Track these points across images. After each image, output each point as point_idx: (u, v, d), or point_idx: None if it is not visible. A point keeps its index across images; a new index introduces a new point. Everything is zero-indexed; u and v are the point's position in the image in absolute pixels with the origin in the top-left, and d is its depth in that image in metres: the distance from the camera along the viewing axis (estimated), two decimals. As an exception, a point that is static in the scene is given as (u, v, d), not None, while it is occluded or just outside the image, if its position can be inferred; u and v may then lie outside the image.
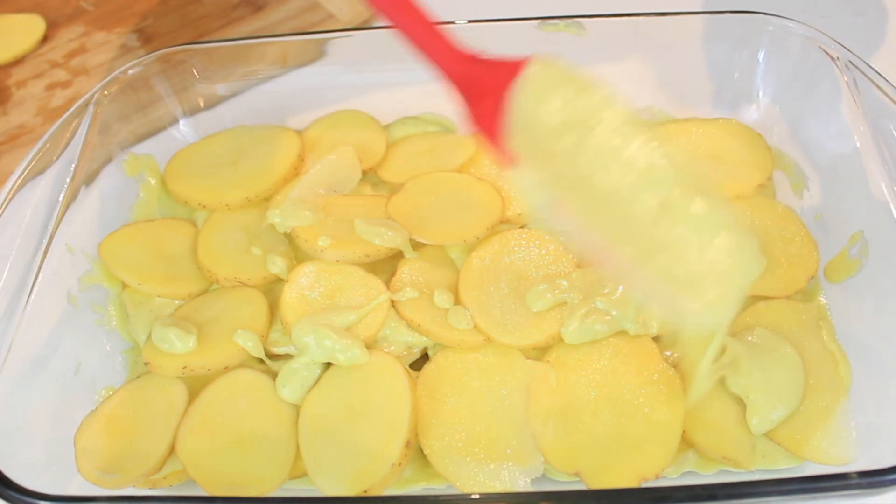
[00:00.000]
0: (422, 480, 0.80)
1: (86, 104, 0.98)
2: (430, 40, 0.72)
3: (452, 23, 1.05)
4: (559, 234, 0.69)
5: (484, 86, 0.70)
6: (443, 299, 0.87)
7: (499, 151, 0.70)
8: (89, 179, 0.96)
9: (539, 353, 0.85)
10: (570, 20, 1.04)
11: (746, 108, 1.07)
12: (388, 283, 0.89)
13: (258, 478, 0.77)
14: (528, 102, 0.67)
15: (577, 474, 0.75)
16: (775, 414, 0.76)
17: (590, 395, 0.79)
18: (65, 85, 1.28)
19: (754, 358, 0.79)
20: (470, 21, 1.05)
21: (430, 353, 0.87)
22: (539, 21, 1.05)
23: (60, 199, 0.90)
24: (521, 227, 0.94)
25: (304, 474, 0.79)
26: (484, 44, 1.07)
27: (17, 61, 1.31)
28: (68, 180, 0.92)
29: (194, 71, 1.09)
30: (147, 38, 1.33)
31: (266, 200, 1.01)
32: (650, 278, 0.64)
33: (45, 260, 0.86)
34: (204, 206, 1.00)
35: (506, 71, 0.70)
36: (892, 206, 0.83)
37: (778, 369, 0.79)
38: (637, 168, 0.64)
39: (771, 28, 1.01)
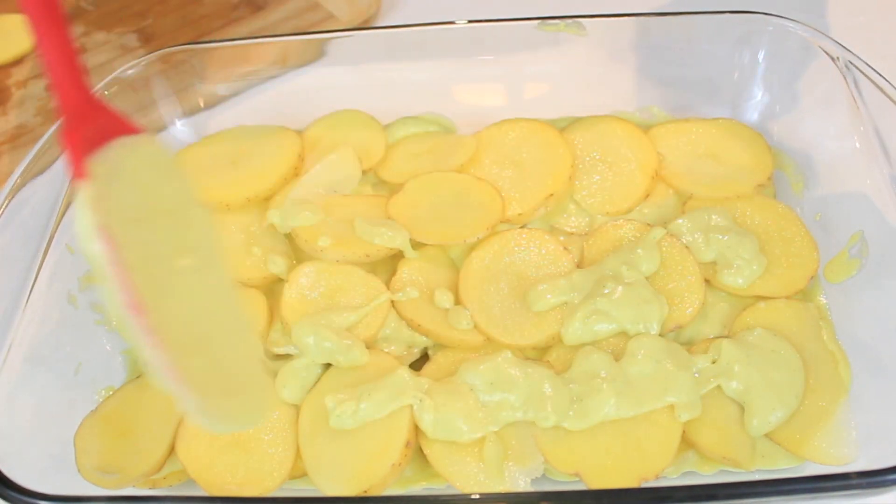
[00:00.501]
0: (422, 480, 0.80)
1: (86, 104, 0.97)
2: (60, 59, 0.66)
3: (453, 23, 1.05)
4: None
5: (89, 121, 0.67)
6: (443, 299, 0.87)
7: (77, 162, 0.65)
8: (89, 179, 0.96)
9: (539, 353, 0.85)
10: (570, 20, 1.04)
11: (746, 108, 1.07)
12: (388, 283, 0.89)
13: (258, 478, 0.77)
14: (109, 166, 0.65)
15: (577, 474, 0.75)
16: (774, 416, 0.76)
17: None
18: (65, 85, 1.28)
19: (752, 360, 0.79)
20: (470, 21, 1.05)
21: (430, 353, 0.87)
22: (539, 21, 1.05)
23: (60, 199, 0.90)
24: (522, 227, 0.94)
25: (304, 474, 0.79)
26: (484, 44, 1.08)
27: (17, 61, 1.31)
28: (68, 180, 0.92)
29: (194, 71, 1.09)
30: (147, 38, 1.33)
31: (266, 200, 1.01)
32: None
33: (45, 260, 0.86)
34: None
35: (113, 124, 0.67)
36: (892, 206, 0.83)
37: (777, 370, 0.79)
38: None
39: (771, 28, 1.01)
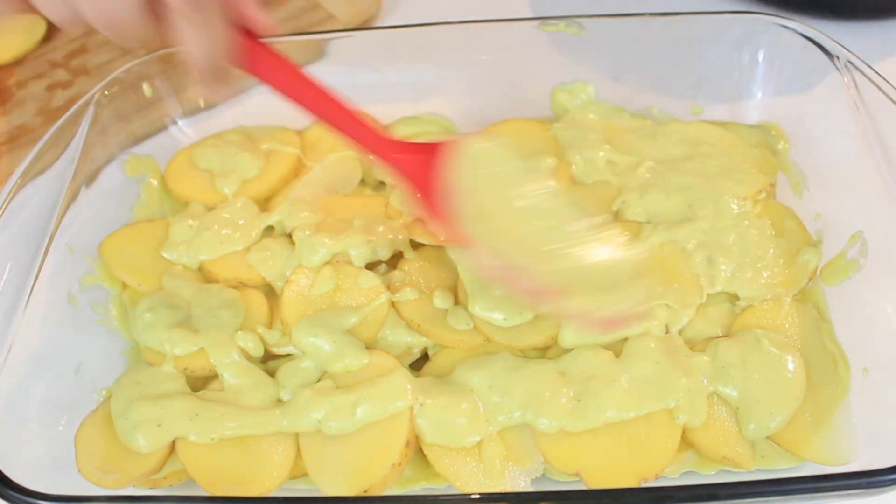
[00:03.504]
0: (422, 480, 0.80)
1: (86, 104, 0.98)
2: (366, 135, 0.81)
3: (453, 23, 1.05)
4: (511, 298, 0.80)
5: (424, 169, 0.80)
6: (443, 299, 0.87)
7: (453, 233, 0.80)
8: (89, 179, 0.97)
9: (539, 353, 0.85)
10: (570, 20, 1.04)
11: (746, 108, 1.07)
12: (388, 283, 0.89)
13: (258, 478, 0.77)
14: (466, 178, 0.80)
15: (577, 474, 0.75)
16: (773, 422, 0.76)
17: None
18: (65, 85, 1.28)
19: (751, 361, 0.79)
20: (470, 21, 1.05)
21: (430, 353, 0.87)
22: (539, 21, 1.05)
23: (61, 199, 0.90)
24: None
25: (304, 474, 0.79)
26: (484, 44, 1.08)
27: (18, 61, 1.31)
28: (69, 180, 0.92)
29: (194, 71, 1.09)
30: (147, 39, 1.33)
31: (266, 200, 1.02)
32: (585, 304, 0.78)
33: (46, 260, 0.86)
34: (204, 206, 1.00)
35: (436, 152, 0.81)
36: (892, 206, 0.83)
37: (776, 371, 0.78)
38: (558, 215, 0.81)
39: (771, 28, 1.01)
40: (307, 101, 0.80)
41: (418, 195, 0.82)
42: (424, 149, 0.82)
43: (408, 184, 0.82)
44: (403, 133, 1.07)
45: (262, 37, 0.76)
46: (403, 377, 0.80)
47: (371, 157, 0.82)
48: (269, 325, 0.89)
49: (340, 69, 1.09)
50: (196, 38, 0.71)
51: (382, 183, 1.02)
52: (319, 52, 1.10)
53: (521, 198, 0.81)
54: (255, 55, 0.76)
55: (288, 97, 0.79)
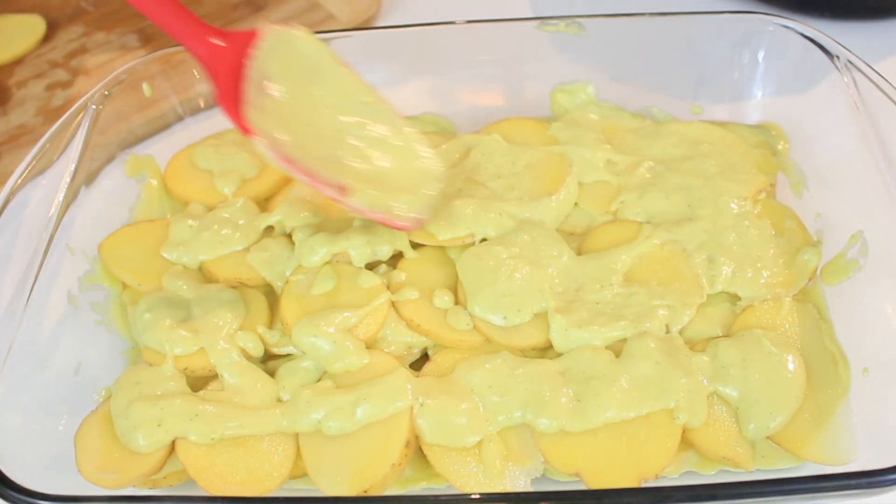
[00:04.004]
0: (422, 480, 0.80)
1: (86, 104, 0.98)
2: (177, 19, 0.82)
3: (452, 23, 1.05)
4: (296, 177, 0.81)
5: (226, 58, 0.82)
6: (443, 299, 0.87)
7: (239, 122, 0.80)
8: (89, 179, 0.97)
9: (539, 353, 0.85)
10: (570, 20, 1.05)
11: (746, 107, 1.07)
12: (388, 283, 0.89)
13: (258, 478, 0.77)
14: (263, 65, 0.82)
15: (577, 474, 0.75)
16: (773, 422, 0.76)
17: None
18: (65, 85, 1.28)
19: (751, 361, 0.79)
20: (470, 21, 1.05)
21: (430, 353, 0.87)
22: (539, 21, 1.05)
23: (60, 199, 0.90)
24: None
25: (304, 474, 0.79)
26: (483, 44, 1.08)
27: (18, 61, 1.31)
28: (68, 180, 0.92)
29: (194, 71, 1.09)
30: (147, 38, 1.34)
31: (266, 201, 1.02)
32: (371, 196, 0.82)
33: (45, 260, 0.86)
34: (204, 206, 1.00)
35: (243, 40, 0.82)
36: (891, 206, 0.83)
37: (776, 372, 0.78)
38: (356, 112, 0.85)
39: (771, 28, 1.01)
40: None
41: (214, 80, 0.82)
42: (235, 36, 0.83)
43: (207, 69, 0.82)
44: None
45: None
46: (403, 377, 0.80)
47: (181, 45, 0.83)
48: (269, 325, 0.89)
49: (340, 69, 1.09)
50: None
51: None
52: (319, 52, 1.10)
53: (316, 92, 0.83)
54: None
55: None
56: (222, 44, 0.82)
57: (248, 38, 0.83)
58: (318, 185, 0.81)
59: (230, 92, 0.81)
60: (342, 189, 0.81)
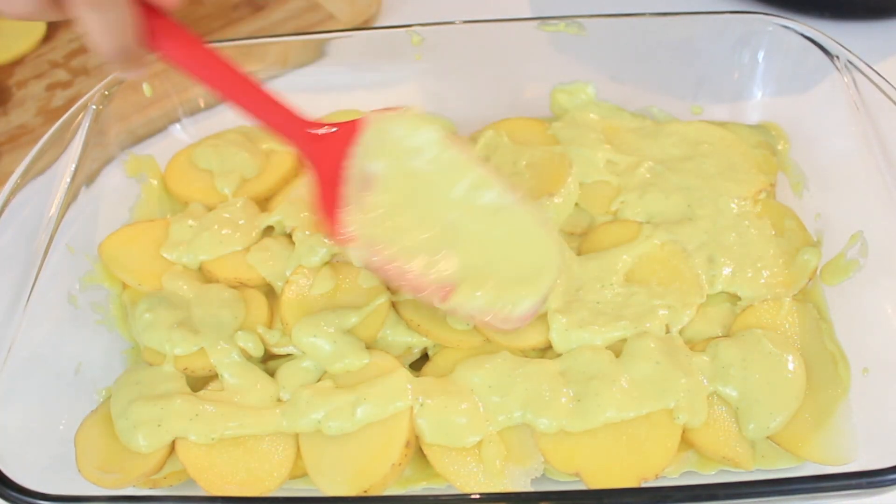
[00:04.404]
0: (422, 480, 0.80)
1: (86, 104, 0.98)
2: (278, 117, 0.79)
3: (452, 23, 1.05)
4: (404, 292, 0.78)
5: (329, 154, 0.79)
6: (443, 299, 0.87)
7: (334, 233, 0.79)
8: (89, 179, 0.96)
9: (539, 353, 0.85)
10: (570, 20, 1.04)
11: (746, 107, 1.07)
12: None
13: (258, 478, 0.77)
14: (365, 158, 0.79)
15: (577, 474, 0.75)
16: (774, 422, 0.76)
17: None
18: (65, 85, 1.28)
19: (751, 361, 0.79)
20: (469, 21, 1.05)
21: (430, 353, 0.87)
22: (539, 21, 1.05)
23: (60, 199, 0.90)
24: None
25: (304, 474, 0.79)
26: (483, 44, 1.08)
27: (18, 61, 1.31)
28: (68, 180, 0.92)
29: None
30: (147, 39, 1.33)
31: (266, 200, 1.02)
32: (486, 291, 0.78)
33: (46, 260, 0.86)
34: (204, 206, 1.00)
35: (346, 134, 0.80)
36: (892, 206, 0.83)
37: (776, 372, 0.79)
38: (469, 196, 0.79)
39: (771, 28, 1.01)
40: (218, 82, 0.78)
41: (318, 184, 0.80)
42: (340, 130, 0.80)
43: (313, 170, 0.80)
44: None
45: (168, 13, 0.74)
46: (403, 377, 0.80)
47: (283, 140, 0.81)
48: (269, 325, 0.89)
49: (340, 69, 1.10)
50: (101, 25, 0.68)
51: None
52: (319, 52, 1.10)
53: (420, 180, 0.79)
54: (163, 35, 0.74)
55: (198, 77, 0.77)
56: (326, 137, 0.80)
57: (351, 129, 0.80)
58: (420, 292, 0.78)
59: (329, 194, 0.79)
60: (446, 292, 0.77)
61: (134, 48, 0.72)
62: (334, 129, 0.81)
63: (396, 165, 0.79)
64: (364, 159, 0.78)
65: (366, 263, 0.79)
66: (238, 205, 0.98)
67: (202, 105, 1.13)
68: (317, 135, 0.80)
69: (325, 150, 0.80)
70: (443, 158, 0.79)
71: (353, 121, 0.81)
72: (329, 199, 0.80)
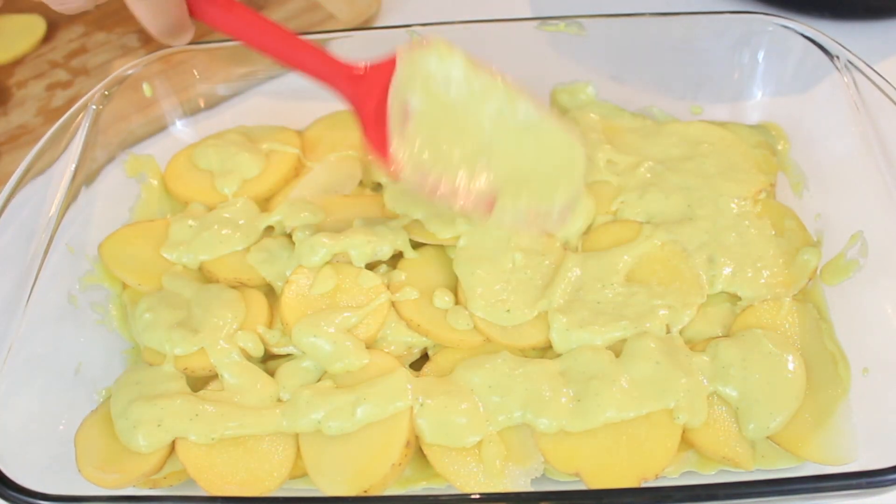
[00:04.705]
0: (422, 480, 0.80)
1: (86, 104, 0.98)
2: (320, 65, 0.83)
3: (452, 23, 1.05)
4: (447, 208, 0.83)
5: (372, 93, 0.82)
6: (443, 300, 0.87)
7: (387, 163, 0.82)
8: (89, 179, 0.97)
9: (539, 353, 0.85)
10: (570, 20, 1.04)
11: (746, 107, 1.07)
12: (388, 283, 0.89)
13: (258, 478, 0.77)
14: (402, 91, 0.82)
15: (577, 474, 0.75)
16: (774, 422, 0.76)
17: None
18: (65, 85, 1.28)
19: (751, 361, 0.79)
20: (470, 21, 1.05)
21: (430, 353, 0.87)
22: (539, 21, 1.05)
23: (61, 199, 0.90)
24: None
25: (304, 474, 0.79)
26: (483, 44, 1.07)
27: (18, 61, 1.31)
28: (68, 180, 0.92)
29: (194, 71, 1.10)
30: (147, 39, 1.33)
31: (266, 201, 1.02)
32: (526, 195, 0.84)
33: (46, 260, 0.86)
34: (204, 206, 1.00)
35: (382, 72, 0.82)
36: (892, 206, 0.83)
37: (776, 372, 0.78)
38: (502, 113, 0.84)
39: (771, 28, 1.01)
40: (260, 39, 0.83)
41: (362, 122, 0.83)
42: (374, 69, 0.83)
43: (355, 109, 0.83)
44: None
45: None
46: (403, 377, 0.80)
47: (326, 85, 0.84)
48: (269, 325, 0.89)
49: (340, 69, 1.09)
50: (149, 9, 0.74)
51: (380, 184, 1.02)
52: (319, 52, 1.10)
53: (455, 103, 0.83)
54: (203, 3, 0.80)
55: (240, 38, 0.82)
56: (364, 77, 0.83)
57: (387, 67, 0.82)
58: (468, 206, 0.82)
59: (377, 131, 0.82)
60: (490, 203, 0.82)
61: (179, 24, 0.79)
62: (370, 67, 0.84)
63: (432, 95, 0.83)
64: (402, 92, 0.82)
65: (418, 188, 0.82)
66: (238, 205, 0.98)
67: (202, 105, 1.13)
68: (357, 76, 0.83)
69: (367, 90, 0.83)
70: (473, 83, 0.84)
71: (387, 58, 0.83)
72: (378, 137, 0.82)
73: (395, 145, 0.80)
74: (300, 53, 0.84)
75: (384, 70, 0.82)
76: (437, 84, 0.83)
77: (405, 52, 0.82)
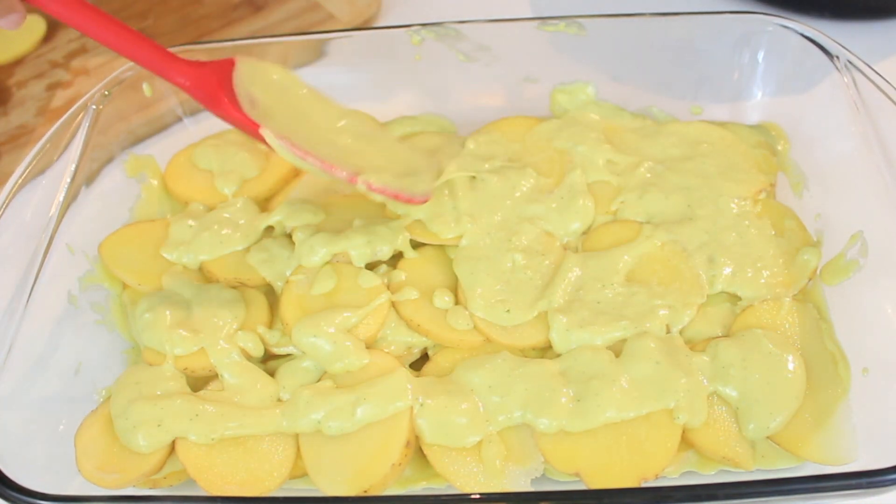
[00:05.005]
0: (422, 480, 0.80)
1: (86, 104, 0.98)
2: (161, 62, 0.83)
3: (452, 23, 1.05)
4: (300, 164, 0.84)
5: (210, 80, 0.84)
6: (443, 299, 0.87)
7: (244, 118, 0.83)
8: (89, 179, 0.97)
9: (539, 353, 0.85)
10: (570, 20, 1.04)
11: (746, 108, 1.07)
12: (388, 283, 0.89)
13: (258, 478, 0.77)
14: (245, 86, 0.85)
15: (577, 474, 0.75)
16: (774, 422, 0.76)
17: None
18: (65, 85, 1.28)
19: (751, 361, 0.79)
20: (470, 21, 1.05)
21: (430, 353, 0.87)
22: (539, 21, 1.05)
23: (60, 199, 0.90)
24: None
25: (304, 474, 0.79)
26: (483, 44, 1.08)
27: (18, 61, 1.31)
28: (68, 180, 0.92)
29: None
30: (147, 39, 1.33)
31: (266, 201, 1.02)
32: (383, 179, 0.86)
33: (46, 260, 0.86)
34: (204, 206, 1.00)
35: (221, 66, 0.85)
36: (891, 206, 0.83)
37: (776, 372, 0.78)
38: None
39: (771, 28, 1.01)
40: (89, 26, 0.80)
41: (207, 94, 0.83)
42: (212, 63, 0.85)
43: (195, 91, 0.84)
44: (401, 132, 1.07)
45: None
46: (403, 377, 0.80)
47: (160, 73, 0.84)
48: (269, 325, 0.89)
49: (340, 69, 1.10)
50: None
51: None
52: (319, 52, 1.10)
53: (298, 108, 0.88)
54: None
55: (68, 22, 0.80)
56: (201, 69, 0.84)
57: (226, 64, 0.85)
58: (331, 170, 0.84)
59: (225, 100, 0.83)
60: (354, 175, 0.84)
61: (7, 4, 0.79)
62: (207, 62, 0.86)
63: (272, 95, 0.86)
64: (246, 86, 0.85)
65: (281, 148, 0.82)
66: (238, 205, 0.98)
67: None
68: (189, 67, 0.84)
69: (207, 76, 0.83)
70: (311, 95, 0.90)
71: (225, 59, 0.86)
72: (226, 102, 0.83)
73: (253, 117, 0.83)
74: (131, 43, 0.82)
75: (221, 65, 0.85)
76: (276, 89, 0.87)
77: (242, 57, 0.87)
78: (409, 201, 0.88)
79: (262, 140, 0.82)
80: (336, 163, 0.85)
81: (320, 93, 0.91)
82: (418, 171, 0.92)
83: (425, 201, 0.90)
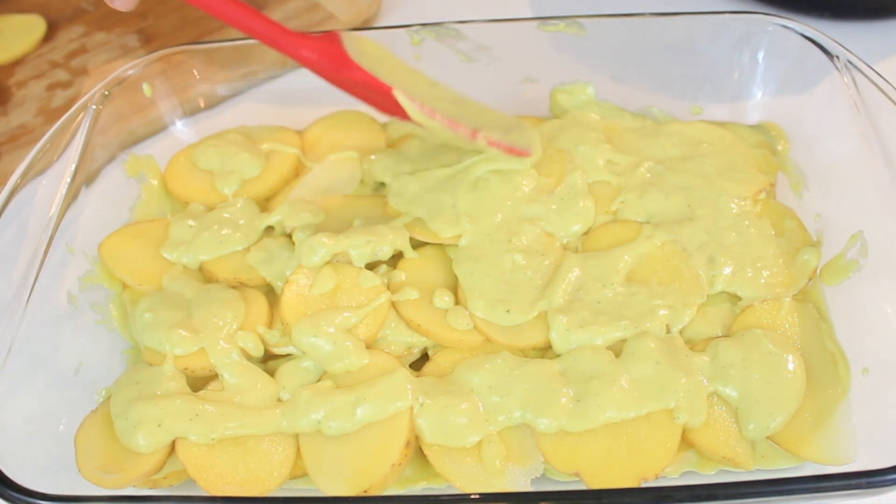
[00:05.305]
0: (422, 480, 0.80)
1: (86, 104, 0.98)
2: (285, 39, 0.86)
3: (452, 23, 1.05)
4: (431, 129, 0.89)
5: (338, 52, 0.86)
6: (443, 299, 0.87)
7: (373, 78, 0.86)
8: (89, 179, 0.97)
9: (539, 353, 0.85)
10: (570, 20, 1.04)
11: (746, 108, 1.07)
12: (388, 283, 0.89)
13: (258, 478, 0.77)
14: (355, 56, 0.87)
15: (577, 474, 0.75)
16: (774, 422, 0.76)
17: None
18: (65, 85, 1.28)
19: (751, 361, 0.79)
20: (470, 21, 1.05)
21: (430, 353, 0.87)
22: (539, 21, 1.05)
23: (61, 199, 0.90)
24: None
25: (304, 474, 0.79)
26: (484, 43, 1.08)
27: (18, 61, 1.31)
28: (68, 180, 0.92)
29: (194, 71, 1.10)
30: (147, 39, 1.34)
31: (266, 201, 1.02)
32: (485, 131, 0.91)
33: (46, 260, 0.86)
34: (204, 206, 1.00)
35: (334, 40, 0.87)
36: (892, 206, 0.83)
37: (776, 372, 0.78)
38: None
39: (771, 28, 1.01)
40: (212, 4, 0.83)
41: (341, 69, 0.86)
42: (322, 40, 0.87)
43: (324, 65, 0.86)
44: (401, 132, 1.08)
45: None
46: (403, 377, 0.80)
47: (281, 52, 0.87)
48: (269, 325, 0.89)
49: (340, 69, 1.09)
50: None
51: (382, 183, 1.02)
52: (319, 52, 1.10)
53: (394, 76, 0.89)
54: None
55: (193, 2, 0.82)
56: (320, 41, 0.87)
57: (334, 37, 0.87)
58: (456, 128, 0.89)
59: (355, 63, 0.86)
60: (475, 131, 0.90)
61: None
62: (318, 35, 0.88)
63: (376, 65, 0.88)
64: (355, 57, 0.87)
65: (411, 107, 0.87)
66: (238, 205, 0.98)
67: (202, 105, 1.13)
68: (309, 37, 0.86)
69: (328, 49, 0.86)
70: (403, 66, 0.93)
71: (329, 32, 0.88)
72: (361, 74, 0.86)
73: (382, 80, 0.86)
74: (257, 24, 0.85)
75: (332, 38, 0.87)
76: (375, 60, 0.90)
77: (346, 32, 0.89)
78: (521, 154, 0.94)
79: (386, 104, 0.86)
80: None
81: (408, 65, 0.94)
82: (513, 130, 0.97)
83: (529, 154, 0.96)
